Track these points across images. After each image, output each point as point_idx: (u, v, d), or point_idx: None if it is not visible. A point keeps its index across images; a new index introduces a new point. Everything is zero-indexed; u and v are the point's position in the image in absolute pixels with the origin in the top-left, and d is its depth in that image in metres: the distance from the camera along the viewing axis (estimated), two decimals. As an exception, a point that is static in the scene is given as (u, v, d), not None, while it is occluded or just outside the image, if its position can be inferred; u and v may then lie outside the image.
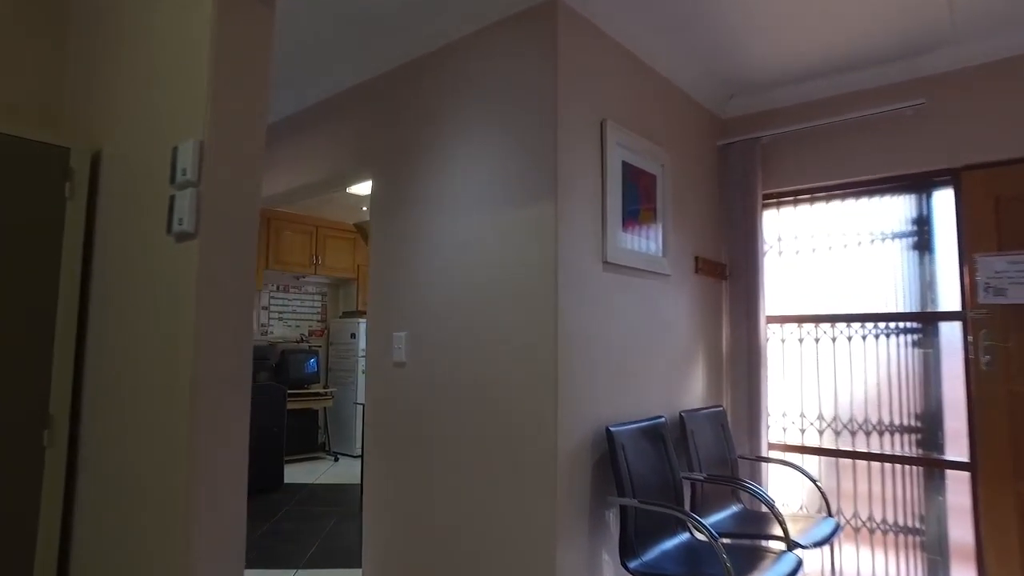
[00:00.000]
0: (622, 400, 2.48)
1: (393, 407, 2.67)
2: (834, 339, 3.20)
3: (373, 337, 2.81)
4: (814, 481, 2.81)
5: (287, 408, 5.91)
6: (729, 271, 3.35)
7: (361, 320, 6.62)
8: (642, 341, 2.64)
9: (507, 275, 2.29)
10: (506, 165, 2.34)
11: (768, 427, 3.20)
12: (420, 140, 2.68)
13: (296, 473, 5.65)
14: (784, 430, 3.31)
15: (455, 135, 2.54)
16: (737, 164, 3.36)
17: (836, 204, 3.26)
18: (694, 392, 3.04)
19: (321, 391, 6.39)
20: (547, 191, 2.21)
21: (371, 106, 2.95)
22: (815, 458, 3.19)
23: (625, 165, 2.59)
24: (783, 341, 3.36)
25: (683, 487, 2.53)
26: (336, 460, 6.34)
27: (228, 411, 1.31)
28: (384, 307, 2.77)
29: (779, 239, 3.41)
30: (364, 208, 6.16)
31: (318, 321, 7.04)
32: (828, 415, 3.18)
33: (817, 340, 3.25)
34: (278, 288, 6.63)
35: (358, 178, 3.02)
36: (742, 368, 3.22)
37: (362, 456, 2.82)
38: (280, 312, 6.64)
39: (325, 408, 6.65)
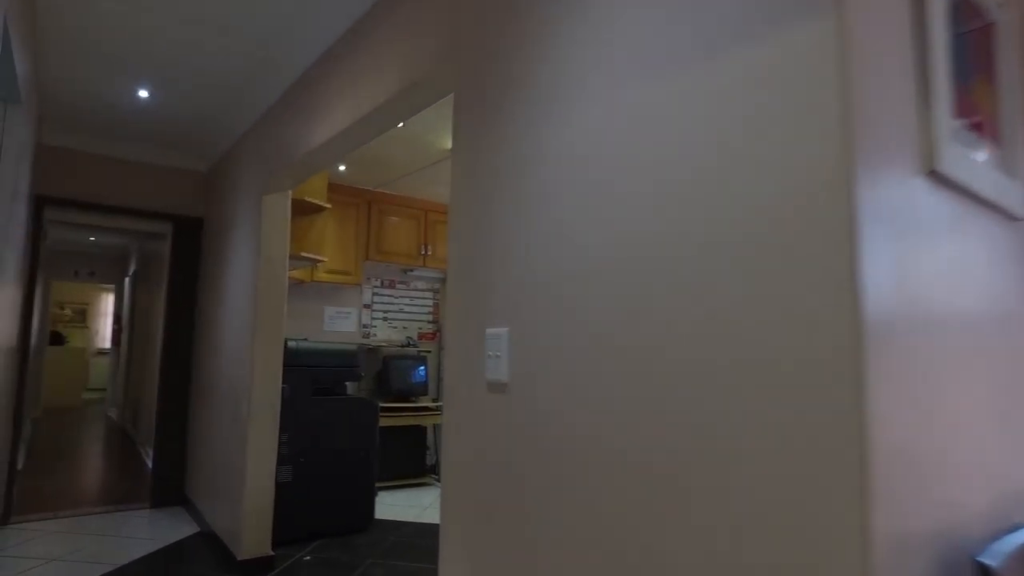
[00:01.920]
0: (969, 478, 1.14)
1: (485, 471, 1.51)
2: None
3: (454, 338, 1.68)
4: None
5: (385, 425, 5.02)
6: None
7: (475, 321, 5.58)
8: (986, 346, 1.27)
9: (718, 209, 1.05)
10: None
11: None
12: (532, -10, 1.51)
13: (394, 504, 4.69)
14: None
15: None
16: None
17: None
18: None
19: (430, 405, 5.42)
20: (814, 7, 0.94)
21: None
22: None
23: (950, -13, 1.24)
24: None
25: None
26: (446, 487, 5.33)
27: None
28: (470, 288, 1.62)
29: None
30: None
31: (429, 322, 6.10)
32: None
33: None
34: (382, 284, 5.77)
35: (440, 85, 1.91)
36: None
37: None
38: (385, 312, 5.77)
39: (435, 425, 5.68)
